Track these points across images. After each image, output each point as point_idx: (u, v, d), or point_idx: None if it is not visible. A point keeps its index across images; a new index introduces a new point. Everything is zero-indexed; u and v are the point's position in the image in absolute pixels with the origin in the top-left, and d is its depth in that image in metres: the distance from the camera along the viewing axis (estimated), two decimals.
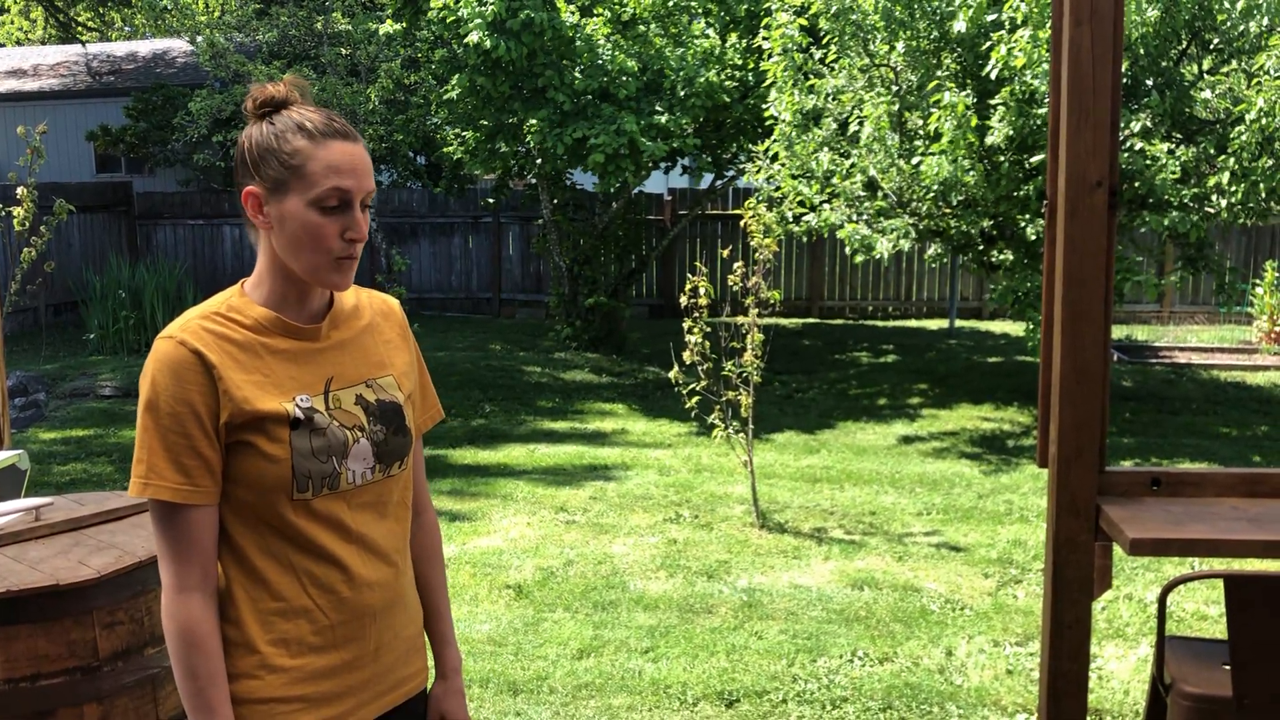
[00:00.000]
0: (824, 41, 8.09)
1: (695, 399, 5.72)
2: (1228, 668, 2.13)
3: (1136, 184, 6.79)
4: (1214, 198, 6.83)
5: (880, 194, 7.61)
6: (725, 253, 6.60)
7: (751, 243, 5.82)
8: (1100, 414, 2.46)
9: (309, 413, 1.50)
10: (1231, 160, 6.68)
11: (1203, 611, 4.47)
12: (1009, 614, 4.49)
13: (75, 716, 2.04)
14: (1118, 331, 11.50)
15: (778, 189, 8.05)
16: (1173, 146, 6.86)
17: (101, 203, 13.44)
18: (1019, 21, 6.77)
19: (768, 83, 8.12)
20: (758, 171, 8.33)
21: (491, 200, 12.34)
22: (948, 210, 7.38)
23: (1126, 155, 6.73)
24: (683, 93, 8.78)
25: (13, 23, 23.16)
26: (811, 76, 8.08)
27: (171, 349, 1.46)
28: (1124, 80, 7.03)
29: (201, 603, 1.45)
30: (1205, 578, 2.21)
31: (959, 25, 7.02)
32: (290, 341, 1.54)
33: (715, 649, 4.13)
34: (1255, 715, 2.14)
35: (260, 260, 1.56)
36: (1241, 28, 7.03)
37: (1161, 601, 2.18)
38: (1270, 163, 6.60)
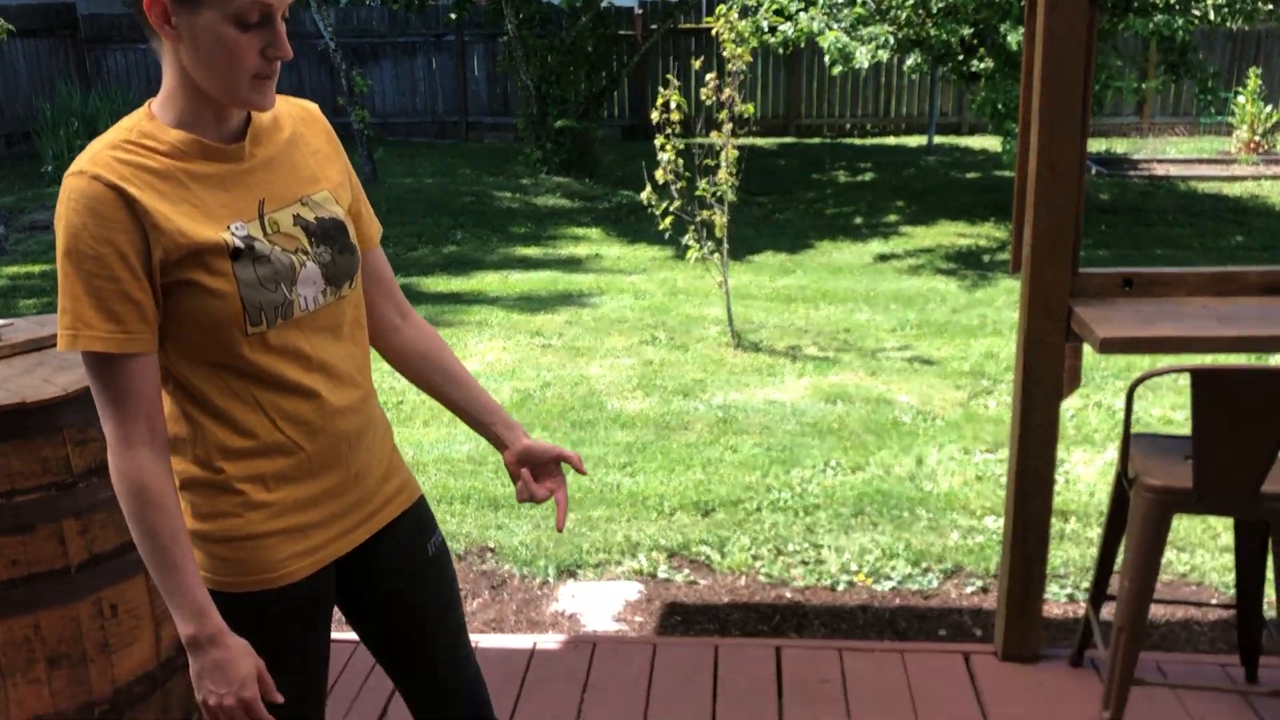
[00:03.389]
0: None
1: (669, 220, 5.61)
2: (1189, 461, 2.18)
3: None
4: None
5: (859, 1, 7.33)
6: (697, 64, 6.36)
7: (724, 53, 5.61)
8: (1075, 215, 2.43)
9: (247, 240, 1.40)
10: None
11: (1169, 416, 4.57)
12: (980, 423, 4.58)
13: (55, 531, 2.06)
14: (1096, 145, 11.36)
15: None
16: None
17: (45, 26, 12.80)
18: None
19: None
20: None
21: (454, 16, 11.83)
22: (927, 18, 7.13)
23: None
24: None
25: None
26: None
27: (86, 185, 1.31)
28: None
29: (151, 457, 1.37)
30: (1172, 372, 2.23)
31: None
32: (213, 165, 1.41)
33: (691, 463, 4.22)
34: (1213, 505, 2.21)
35: (167, 76, 1.40)
36: None
37: (1129, 397, 2.21)
38: None
